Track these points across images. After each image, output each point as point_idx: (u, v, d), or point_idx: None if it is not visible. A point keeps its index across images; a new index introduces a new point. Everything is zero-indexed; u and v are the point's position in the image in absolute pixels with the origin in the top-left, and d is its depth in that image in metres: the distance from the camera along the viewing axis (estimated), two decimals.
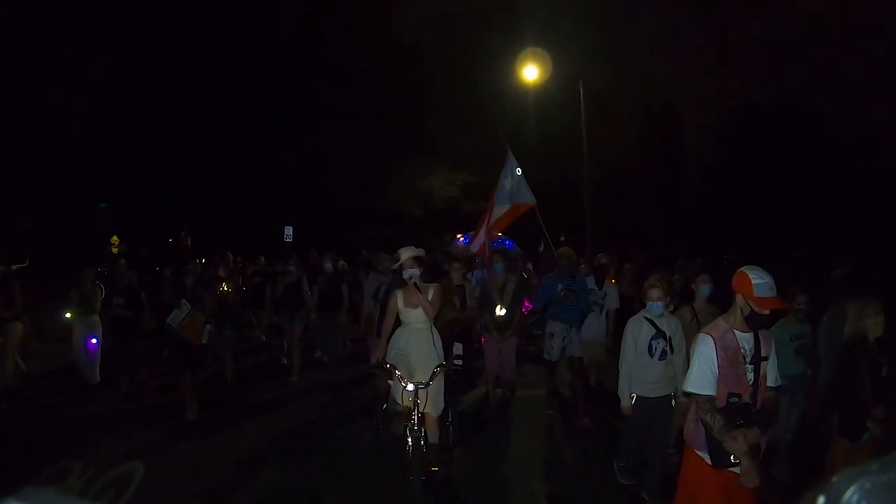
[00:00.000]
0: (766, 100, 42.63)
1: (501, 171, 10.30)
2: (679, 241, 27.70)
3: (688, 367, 3.51)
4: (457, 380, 6.37)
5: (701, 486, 3.43)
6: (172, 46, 20.77)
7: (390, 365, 5.24)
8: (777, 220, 35.10)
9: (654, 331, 4.99)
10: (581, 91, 16.93)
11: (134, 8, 20.01)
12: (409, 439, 5.10)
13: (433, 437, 5.54)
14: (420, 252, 5.68)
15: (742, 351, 3.33)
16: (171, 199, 22.54)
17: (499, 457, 6.20)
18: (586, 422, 7.09)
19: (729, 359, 3.29)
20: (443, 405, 5.58)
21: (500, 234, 10.73)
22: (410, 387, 5.08)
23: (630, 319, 5.23)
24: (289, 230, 19.03)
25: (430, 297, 5.45)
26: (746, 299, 3.29)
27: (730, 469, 3.31)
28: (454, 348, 6.12)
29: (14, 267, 10.14)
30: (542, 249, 10.91)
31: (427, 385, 5.11)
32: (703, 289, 5.73)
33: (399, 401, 5.29)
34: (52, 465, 5.76)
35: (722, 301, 3.58)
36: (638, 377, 5.00)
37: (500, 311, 7.37)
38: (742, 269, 3.39)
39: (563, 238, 21.94)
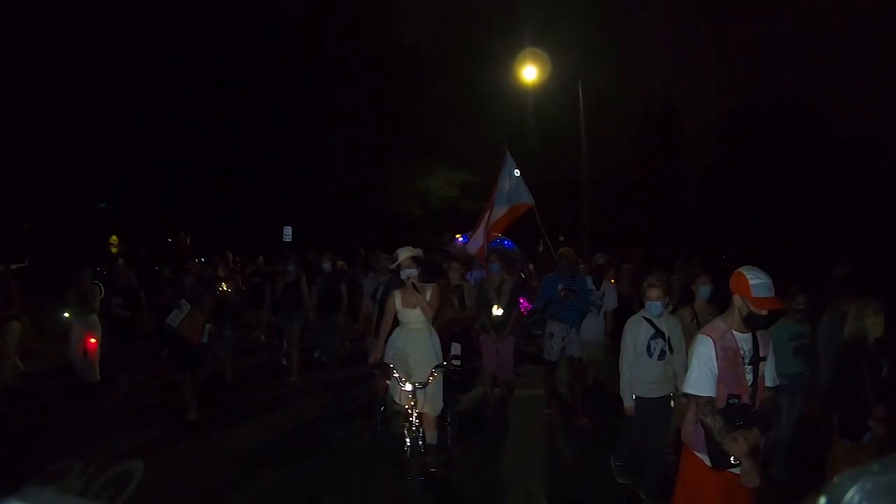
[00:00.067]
0: (766, 100, 42.64)
1: (500, 172, 10.31)
2: (678, 241, 27.71)
3: (687, 368, 3.50)
4: (455, 379, 6.36)
5: (701, 488, 3.41)
6: (172, 46, 20.77)
7: (389, 365, 5.24)
8: (776, 220, 35.09)
9: (652, 331, 4.99)
10: (580, 91, 16.93)
11: (134, 8, 20.01)
12: (408, 439, 5.10)
13: (431, 437, 5.54)
14: (418, 252, 5.68)
15: (741, 351, 3.32)
16: (170, 199, 22.54)
17: (497, 456, 6.20)
18: (584, 422, 7.11)
19: (728, 360, 3.28)
20: (441, 405, 5.58)
21: (498, 234, 10.73)
22: (409, 387, 5.08)
23: (629, 319, 5.23)
24: (288, 230, 19.04)
25: (428, 298, 5.44)
26: (744, 300, 3.28)
27: (729, 470, 3.30)
28: (452, 348, 6.12)
29: (13, 266, 10.12)
30: (541, 250, 10.92)
31: (425, 385, 5.11)
32: (704, 290, 5.74)
33: (397, 400, 5.29)
34: (52, 465, 5.76)
35: (722, 302, 3.57)
36: (637, 377, 5.00)
37: (497, 311, 7.38)
38: (740, 269, 3.38)
39: (562, 238, 21.95)
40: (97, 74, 19.97)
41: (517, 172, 10.10)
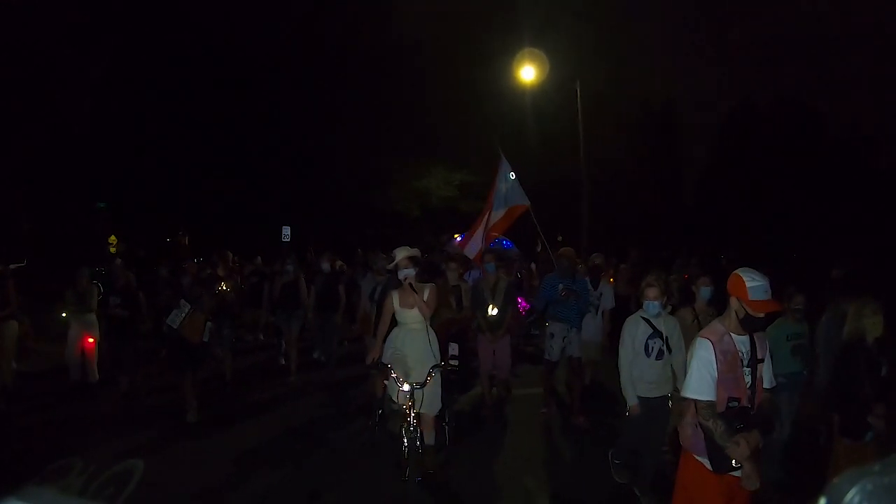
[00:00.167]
0: (765, 100, 42.64)
1: (496, 175, 10.34)
2: (677, 242, 27.73)
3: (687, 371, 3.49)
4: (453, 379, 6.37)
5: (702, 492, 3.38)
6: (172, 46, 20.75)
7: (387, 365, 5.24)
8: (775, 220, 35.11)
9: (650, 330, 4.99)
10: (578, 91, 16.95)
11: (133, 8, 19.99)
12: (406, 439, 5.10)
13: (429, 437, 5.55)
14: (416, 252, 5.67)
15: (740, 354, 3.30)
16: (169, 199, 22.51)
17: (495, 456, 6.19)
18: (581, 421, 7.13)
19: (728, 363, 3.26)
20: (439, 405, 5.58)
21: (498, 235, 10.73)
22: (406, 387, 5.07)
23: (627, 319, 5.23)
24: (286, 230, 19.03)
25: (425, 298, 5.44)
26: (741, 302, 3.27)
27: (729, 473, 3.28)
28: (450, 348, 6.13)
29: (12, 266, 10.11)
30: (539, 250, 10.94)
31: (423, 385, 5.11)
32: (704, 291, 5.74)
33: (395, 400, 5.29)
34: (51, 464, 5.76)
35: (722, 303, 3.56)
36: (636, 377, 5.00)
37: (492, 311, 7.38)
38: (737, 272, 3.36)
39: (560, 238, 21.96)
40: (97, 74, 19.96)
41: (512, 175, 10.14)
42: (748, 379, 3.30)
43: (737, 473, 3.24)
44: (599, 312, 8.02)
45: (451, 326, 6.74)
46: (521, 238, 15.06)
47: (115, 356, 8.81)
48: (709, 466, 3.31)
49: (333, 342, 9.59)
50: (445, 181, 26.47)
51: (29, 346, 10.13)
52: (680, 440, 3.57)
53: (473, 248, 9.74)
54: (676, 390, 5.08)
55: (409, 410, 5.11)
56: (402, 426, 5.17)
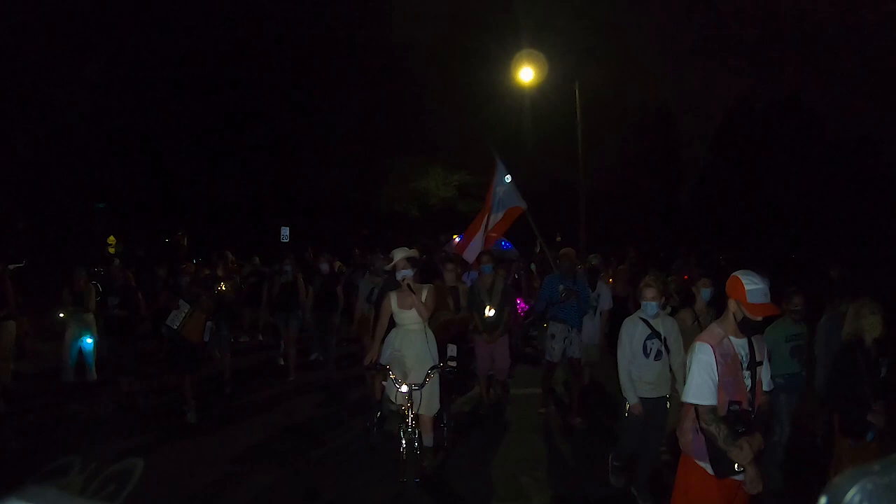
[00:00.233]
0: (763, 100, 42.71)
1: (492, 179, 10.40)
2: (676, 242, 27.76)
3: (686, 372, 3.47)
4: (451, 378, 6.37)
5: (703, 497, 3.34)
6: (170, 46, 20.74)
7: (384, 366, 5.23)
8: (774, 220, 35.18)
9: (648, 331, 4.99)
10: (577, 92, 16.96)
11: (131, 8, 19.97)
12: (404, 440, 5.09)
13: (428, 439, 5.55)
14: (413, 253, 5.67)
15: (739, 357, 3.28)
16: (168, 200, 22.51)
17: (493, 457, 6.19)
18: (579, 422, 7.12)
19: (728, 366, 3.22)
20: (437, 406, 5.58)
21: (497, 237, 10.75)
22: (405, 388, 5.07)
23: (625, 320, 5.23)
24: (285, 231, 19.07)
25: (423, 299, 5.44)
26: (739, 305, 3.23)
27: (731, 477, 3.25)
28: (448, 349, 6.13)
29: (11, 266, 10.11)
30: (537, 251, 10.96)
31: (421, 386, 5.11)
32: (705, 292, 5.75)
33: (394, 401, 5.29)
34: (51, 463, 5.75)
35: (723, 304, 3.54)
36: (634, 377, 5.00)
37: (489, 312, 7.38)
38: (736, 273, 3.32)
39: (559, 239, 22.01)
40: (95, 74, 19.93)
41: (508, 178, 10.19)
42: (748, 382, 3.27)
43: (738, 477, 3.21)
44: (597, 313, 8.02)
45: (449, 327, 6.74)
46: (520, 239, 15.09)
47: (114, 357, 8.79)
48: (710, 471, 3.26)
49: (332, 343, 9.58)
50: (444, 182, 26.49)
51: (27, 346, 10.12)
52: (680, 445, 3.52)
53: (473, 253, 9.74)
54: (675, 391, 5.11)
55: (408, 411, 5.10)
56: (400, 427, 5.16)
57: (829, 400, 4.82)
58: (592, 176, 21.96)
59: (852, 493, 0.74)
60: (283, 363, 9.79)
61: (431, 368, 5.23)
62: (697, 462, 3.34)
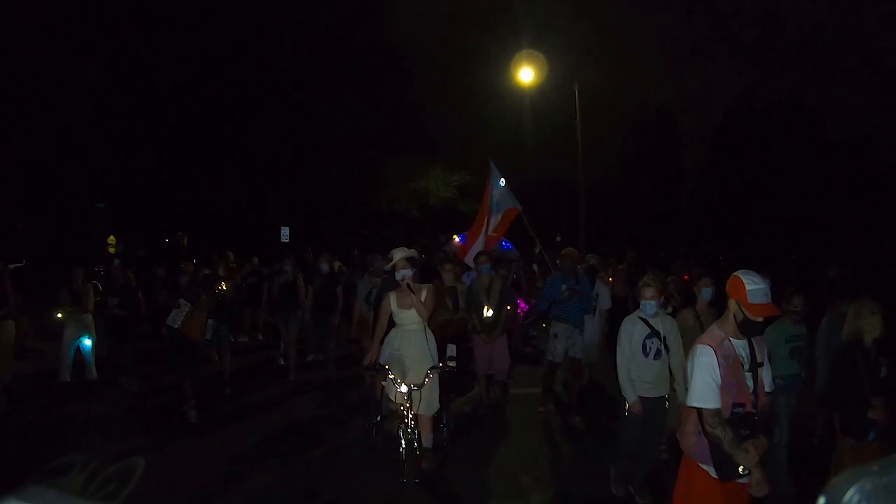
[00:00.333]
0: (763, 100, 42.72)
1: (488, 183, 10.50)
2: (675, 242, 27.77)
3: (685, 371, 3.44)
4: (451, 378, 6.37)
5: (706, 499, 3.29)
6: (169, 46, 20.74)
7: (384, 366, 5.23)
8: (773, 221, 35.18)
9: (648, 330, 4.98)
10: (576, 92, 16.96)
11: (131, 8, 19.97)
12: (403, 440, 5.09)
13: (427, 440, 5.54)
14: (413, 253, 5.67)
15: (741, 358, 3.23)
16: (168, 200, 22.50)
17: (492, 457, 6.18)
18: (577, 421, 7.13)
19: (730, 368, 3.18)
20: (436, 406, 5.57)
21: (496, 237, 10.81)
22: (404, 388, 5.07)
23: (625, 319, 5.23)
24: (285, 230, 19.07)
25: (423, 299, 5.43)
26: (740, 305, 3.19)
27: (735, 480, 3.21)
28: (448, 350, 6.12)
29: (11, 266, 10.09)
30: (537, 251, 10.99)
31: (421, 386, 5.11)
32: (706, 292, 5.74)
33: (393, 399, 5.29)
34: (52, 462, 5.73)
35: (724, 304, 3.50)
36: (634, 377, 5.00)
37: (488, 312, 7.39)
38: (736, 273, 3.28)
39: (559, 238, 22.01)
40: (95, 74, 19.94)
41: (503, 182, 10.30)
42: (750, 384, 3.22)
43: (742, 480, 3.17)
44: (596, 313, 8.03)
45: (448, 327, 6.74)
46: (520, 239, 15.09)
47: (114, 356, 8.79)
48: (714, 474, 3.21)
49: (331, 343, 9.58)
50: (444, 182, 26.51)
51: (27, 346, 10.12)
52: (682, 447, 3.48)
53: (472, 257, 9.80)
54: (673, 390, 5.11)
55: (407, 411, 5.10)
56: (399, 427, 5.16)
57: (830, 400, 4.81)
58: (592, 176, 21.93)
59: (851, 494, 0.74)
60: (283, 363, 9.79)
61: (431, 368, 5.23)
62: (700, 465, 3.29)
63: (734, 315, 3.25)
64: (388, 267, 5.83)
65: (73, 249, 17.93)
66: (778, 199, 35.46)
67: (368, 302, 7.84)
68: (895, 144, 37.28)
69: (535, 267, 12.52)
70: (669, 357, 5.00)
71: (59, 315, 8.66)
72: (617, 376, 5.12)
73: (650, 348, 4.96)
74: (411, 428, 5.11)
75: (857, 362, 4.39)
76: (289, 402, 8.29)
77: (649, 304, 4.98)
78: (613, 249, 15.36)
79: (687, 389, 3.33)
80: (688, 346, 4.31)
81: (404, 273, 5.45)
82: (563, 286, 7.20)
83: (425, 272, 8.07)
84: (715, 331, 3.35)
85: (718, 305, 5.34)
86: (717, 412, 3.14)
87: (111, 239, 21.50)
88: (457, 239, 17.58)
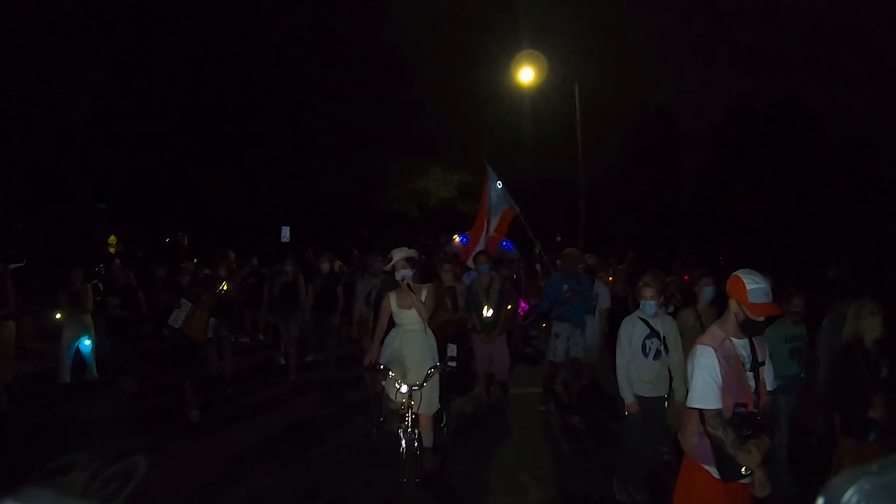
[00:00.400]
0: (763, 100, 42.73)
1: (485, 186, 10.57)
2: (675, 242, 27.77)
3: (684, 370, 3.43)
4: (451, 378, 6.37)
5: (708, 500, 3.27)
6: (170, 47, 20.73)
7: (384, 366, 5.23)
8: (773, 221, 35.17)
9: (647, 331, 4.98)
10: (576, 92, 16.96)
11: (131, 9, 19.98)
12: (403, 441, 5.09)
13: (428, 440, 5.55)
14: (413, 253, 5.67)
15: (741, 358, 3.20)
16: (168, 200, 22.50)
17: (493, 456, 6.19)
18: (577, 420, 7.14)
19: (731, 368, 3.15)
20: (437, 406, 5.58)
21: (498, 237, 10.85)
22: (404, 388, 5.07)
23: (625, 319, 5.23)
24: (286, 231, 19.06)
25: (423, 299, 5.44)
26: (741, 305, 3.16)
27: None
28: (448, 349, 6.13)
29: (11, 266, 10.08)
30: (537, 251, 11.01)
31: (421, 387, 5.11)
32: (707, 291, 5.74)
33: (393, 399, 5.29)
34: (53, 462, 5.73)
35: (724, 304, 3.46)
36: (633, 377, 5.00)
37: (487, 312, 7.39)
38: (737, 273, 3.24)
39: (559, 238, 22.02)
40: (96, 74, 19.92)
41: (499, 184, 10.37)
42: (752, 383, 3.20)
43: (744, 481, 3.14)
44: (596, 313, 8.03)
45: (447, 327, 6.74)
46: (521, 239, 15.12)
47: (115, 357, 8.79)
48: (716, 475, 3.18)
49: (332, 343, 9.58)
50: (444, 182, 26.51)
51: (27, 346, 10.12)
52: (683, 448, 3.45)
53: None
54: (671, 389, 5.10)
55: (407, 411, 5.10)
56: (400, 427, 5.16)
57: (830, 401, 4.81)
58: (592, 176, 21.94)
59: (850, 494, 0.74)
60: (283, 362, 9.78)
61: (431, 368, 5.23)
62: (703, 466, 3.26)
63: (735, 315, 3.21)
64: (387, 267, 5.84)
65: (74, 250, 17.89)
66: (778, 199, 35.45)
67: (368, 302, 7.84)
68: (895, 144, 37.33)
69: (538, 267, 12.54)
70: (668, 357, 5.00)
71: (58, 316, 8.65)
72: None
73: (650, 349, 4.95)
74: (411, 428, 5.11)
75: (857, 363, 4.38)
76: (289, 402, 8.29)
77: (649, 305, 4.98)
78: (613, 249, 15.36)
79: (687, 389, 3.32)
80: (689, 346, 4.30)
81: (404, 273, 5.45)
82: (565, 286, 7.22)
83: (425, 272, 8.07)
84: (715, 331, 3.32)
85: (719, 305, 5.34)
86: (718, 413, 3.11)
87: (112, 239, 21.49)
88: (457, 239, 17.60)
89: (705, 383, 3.14)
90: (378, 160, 24.74)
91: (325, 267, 9.83)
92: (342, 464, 6.01)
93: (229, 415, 7.64)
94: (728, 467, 3.12)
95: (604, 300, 8.15)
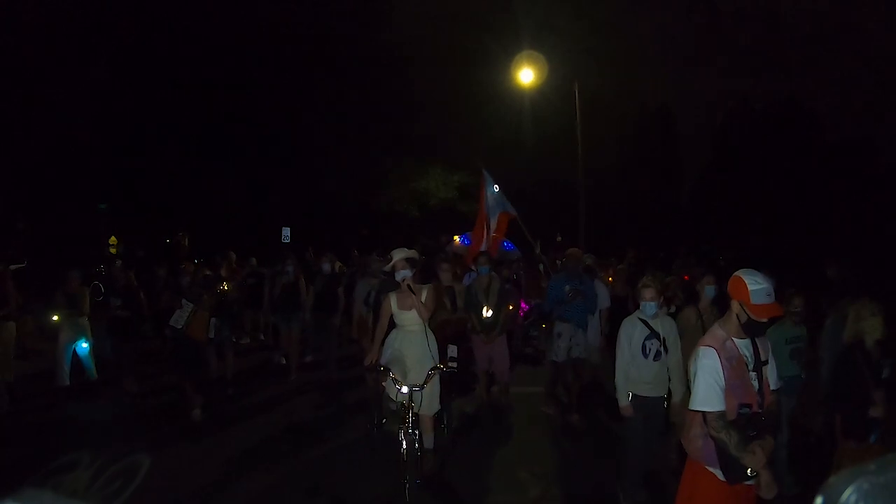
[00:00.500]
0: (763, 100, 42.76)
1: (482, 190, 10.61)
2: (675, 242, 27.78)
3: (682, 370, 3.41)
4: (451, 378, 6.37)
5: (714, 502, 3.24)
6: (170, 47, 20.72)
7: (385, 367, 5.23)
8: (773, 221, 35.18)
9: (647, 331, 4.97)
10: (577, 93, 16.96)
11: (132, 9, 19.97)
12: (404, 441, 5.09)
13: (429, 441, 5.55)
14: (413, 253, 5.66)
15: (744, 358, 3.16)
16: (169, 201, 22.49)
17: (493, 456, 6.19)
18: (576, 419, 7.16)
19: (734, 369, 3.11)
20: (437, 406, 5.58)
21: (499, 237, 10.88)
22: (405, 389, 5.07)
23: (624, 320, 5.22)
24: (286, 231, 19.04)
25: (423, 299, 5.43)
26: (743, 306, 3.11)
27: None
28: (449, 350, 6.13)
29: (12, 267, 10.08)
30: (537, 251, 11.03)
31: (422, 387, 5.11)
32: (709, 290, 5.73)
33: (394, 400, 5.29)
34: (51, 464, 5.73)
35: (726, 302, 3.43)
36: (633, 377, 4.99)
37: (487, 313, 7.39)
38: (738, 273, 3.19)
39: (559, 239, 22.03)
40: (97, 75, 19.90)
41: (496, 188, 10.42)
42: (755, 383, 3.16)
43: (749, 482, 3.11)
44: (596, 313, 8.04)
45: (447, 327, 6.73)
46: (522, 239, 15.13)
47: (116, 357, 8.79)
48: (721, 477, 3.14)
49: (333, 343, 9.58)
50: (444, 182, 26.50)
51: (28, 346, 10.12)
52: (687, 451, 3.42)
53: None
54: (670, 392, 5.10)
55: (408, 412, 5.10)
56: (400, 428, 5.16)
57: (831, 402, 4.80)
58: (592, 176, 21.92)
59: (848, 493, 0.74)
60: (284, 362, 9.77)
61: (432, 369, 5.23)
62: (707, 468, 3.23)
63: (737, 316, 3.17)
64: (387, 267, 5.83)
65: (75, 250, 17.89)
66: (778, 199, 35.45)
67: (367, 303, 7.84)
68: (895, 144, 37.33)
69: (541, 267, 12.55)
70: (668, 358, 5.00)
71: (55, 318, 8.60)
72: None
73: (650, 349, 4.95)
74: (412, 428, 5.11)
75: (858, 364, 4.37)
76: (290, 402, 8.30)
77: (649, 306, 4.97)
78: (613, 249, 15.37)
79: (687, 390, 3.30)
80: (690, 346, 4.28)
81: (404, 274, 5.44)
82: (567, 286, 7.23)
83: (425, 273, 8.08)
84: (717, 331, 3.28)
85: (721, 304, 5.34)
86: (721, 415, 3.07)
87: (112, 240, 21.48)
88: (458, 239, 17.59)
89: (708, 385, 3.11)
90: (378, 160, 24.72)
91: (326, 267, 9.82)
92: (342, 464, 6.01)
93: (230, 415, 7.64)
94: (733, 469, 3.08)
95: (603, 299, 8.15)
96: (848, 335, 4.56)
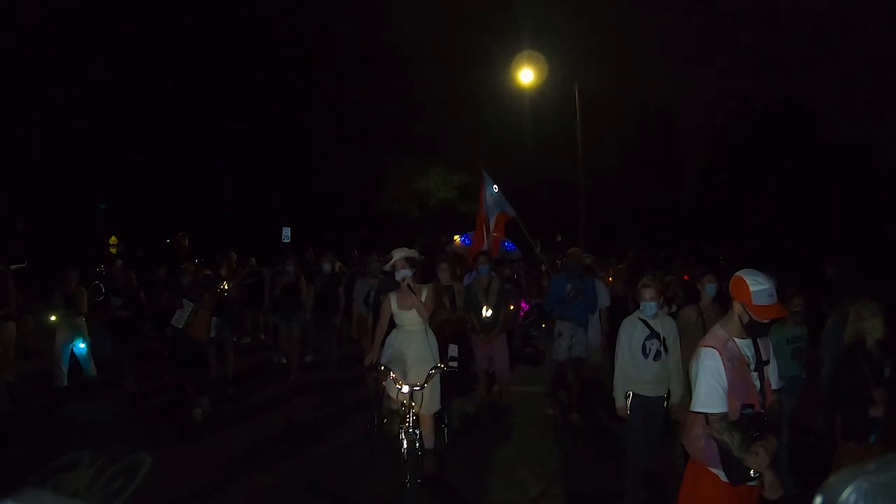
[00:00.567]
0: (763, 100, 42.76)
1: (482, 191, 10.63)
2: (675, 242, 27.78)
3: (682, 369, 3.40)
4: (452, 378, 6.38)
5: (717, 503, 3.23)
6: (170, 47, 20.72)
7: (385, 367, 5.23)
8: (773, 221, 35.18)
9: (647, 331, 4.97)
10: (576, 93, 16.97)
11: (133, 9, 19.97)
12: (405, 441, 5.09)
13: (429, 441, 5.54)
14: (412, 253, 5.66)
15: (746, 358, 3.14)
16: (169, 201, 22.49)
17: (494, 456, 6.19)
18: (576, 418, 7.17)
19: (736, 369, 3.08)
20: (438, 406, 5.58)
21: (499, 237, 10.89)
22: (405, 388, 5.07)
23: (624, 320, 5.22)
24: (286, 231, 19.06)
25: (423, 299, 5.43)
26: (745, 307, 3.08)
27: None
28: (449, 350, 6.13)
29: (13, 267, 10.09)
30: (537, 251, 11.04)
31: (422, 387, 5.10)
32: (709, 288, 5.73)
33: (394, 399, 5.29)
34: (51, 464, 5.74)
35: (727, 301, 3.39)
36: (633, 377, 4.99)
37: (486, 313, 7.39)
38: (739, 274, 3.16)
39: (559, 238, 22.06)
40: (97, 75, 19.90)
41: (495, 188, 10.43)
42: (757, 383, 3.14)
43: (752, 483, 3.09)
44: (596, 312, 8.04)
45: (446, 327, 6.73)
46: (522, 239, 15.15)
47: (116, 357, 8.79)
48: (723, 478, 3.12)
49: (333, 343, 9.58)
50: (444, 182, 26.50)
51: (28, 346, 10.11)
52: (689, 452, 3.40)
53: None
54: (670, 392, 5.10)
55: (408, 412, 5.10)
56: (401, 427, 5.16)
57: (832, 401, 4.80)
58: (592, 176, 21.93)
59: (848, 493, 0.74)
60: (284, 362, 9.77)
61: (432, 368, 5.23)
62: (710, 469, 3.20)
63: (739, 317, 3.15)
64: (387, 267, 5.83)
65: (75, 250, 17.89)
66: (778, 199, 35.45)
67: (367, 304, 7.84)
68: (895, 144, 37.33)
69: (543, 267, 12.56)
70: (668, 358, 5.00)
71: (53, 318, 8.59)
72: None
73: (650, 349, 4.94)
74: (413, 428, 5.11)
75: (859, 364, 4.37)
76: (290, 402, 8.30)
77: (649, 306, 4.96)
78: (613, 249, 15.38)
79: (686, 390, 3.30)
80: (690, 344, 4.28)
81: (404, 273, 5.44)
82: (569, 286, 7.24)
83: (425, 273, 8.09)
84: (718, 332, 3.25)
85: (721, 302, 5.34)
86: (723, 416, 3.05)
87: (113, 240, 21.48)
88: (458, 239, 17.59)
89: (710, 386, 3.08)
90: (378, 160, 24.71)
91: (327, 267, 9.81)
92: (342, 464, 6.01)
93: (230, 415, 7.64)
94: (736, 470, 3.06)
95: (603, 298, 8.16)
96: (848, 335, 4.56)
